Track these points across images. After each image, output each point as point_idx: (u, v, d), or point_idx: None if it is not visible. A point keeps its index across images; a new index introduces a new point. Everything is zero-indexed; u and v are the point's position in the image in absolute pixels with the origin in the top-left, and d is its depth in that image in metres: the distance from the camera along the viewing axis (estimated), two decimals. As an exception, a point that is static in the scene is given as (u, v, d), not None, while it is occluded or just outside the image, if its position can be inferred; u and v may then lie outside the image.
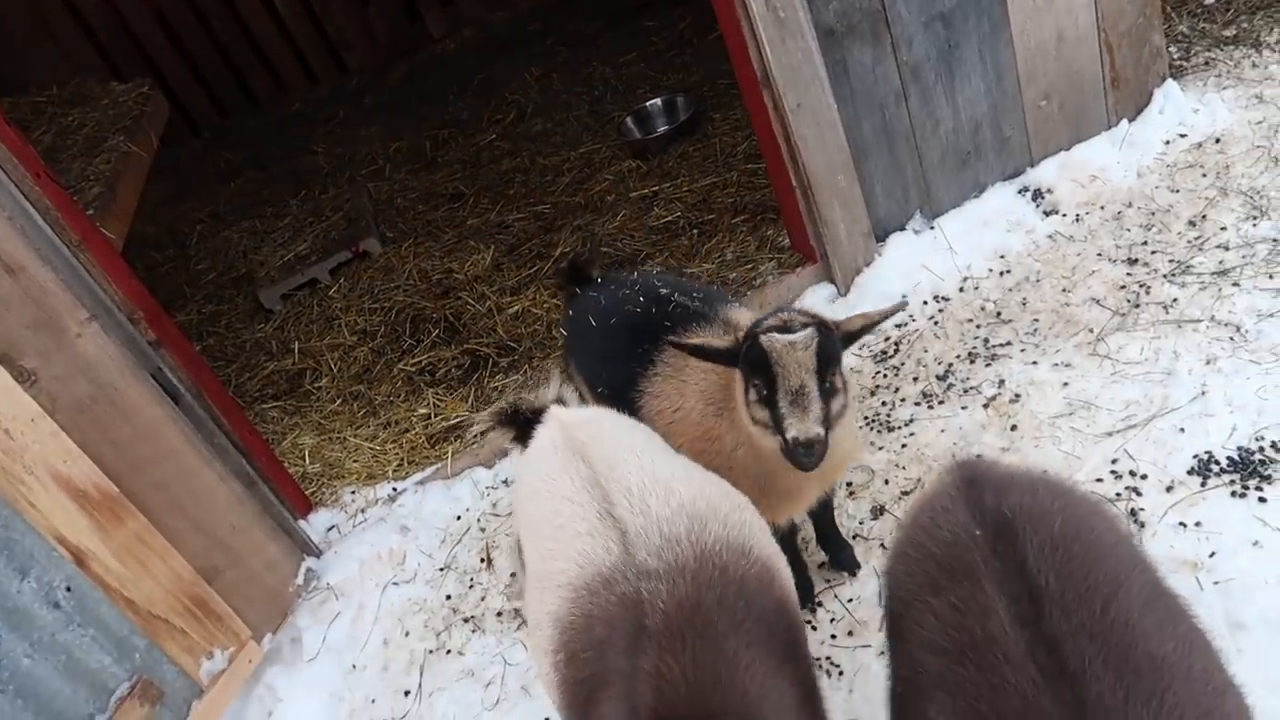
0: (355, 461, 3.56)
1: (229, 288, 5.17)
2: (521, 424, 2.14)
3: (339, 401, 3.99)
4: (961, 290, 3.16)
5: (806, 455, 1.88)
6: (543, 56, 6.58)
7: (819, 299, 3.35)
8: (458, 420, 3.62)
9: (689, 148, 4.83)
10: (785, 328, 1.94)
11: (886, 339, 3.11)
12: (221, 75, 7.08)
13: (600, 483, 1.70)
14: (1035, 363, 2.75)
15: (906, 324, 3.14)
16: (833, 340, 1.96)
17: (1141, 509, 2.23)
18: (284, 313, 4.70)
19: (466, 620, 2.75)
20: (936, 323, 3.09)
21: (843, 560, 2.38)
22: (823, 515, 2.34)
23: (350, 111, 6.84)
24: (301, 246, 5.02)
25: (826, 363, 1.92)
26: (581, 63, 6.26)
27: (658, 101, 5.17)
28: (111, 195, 3.43)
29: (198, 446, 2.70)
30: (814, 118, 3.02)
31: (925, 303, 3.17)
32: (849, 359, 3.10)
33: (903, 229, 3.35)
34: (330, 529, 3.21)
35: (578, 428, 1.86)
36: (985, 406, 2.67)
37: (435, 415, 3.69)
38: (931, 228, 3.36)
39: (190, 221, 6.01)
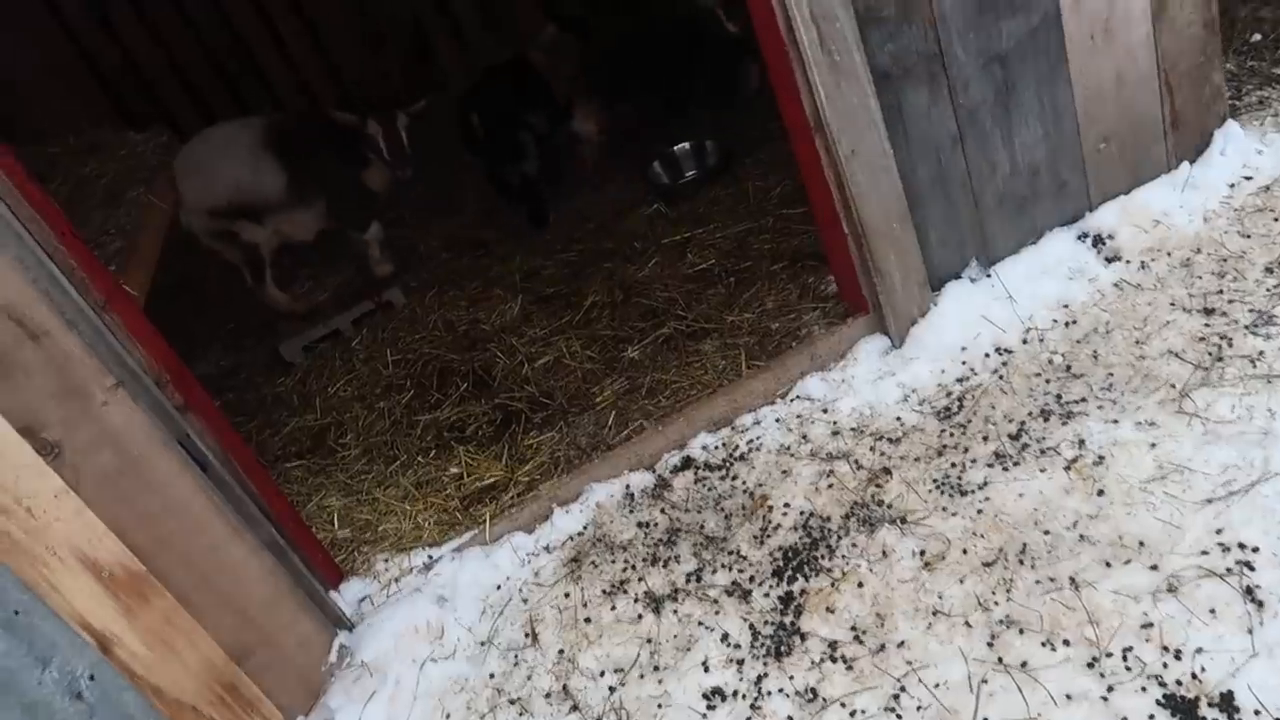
0: (386, 524, 3.40)
1: (247, 338, 5.03)
2: None
3: (365, 459, 3.83)
4: (1025, 342, 3.01)
5: None
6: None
7: (872, 351, 3.21)
8: (492, 480, 3.46)
9: (720, 192, 4.72)
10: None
11: (949, 395, 2.96)
12: (228, 114, 7.00)
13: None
14: (1116, 421, 2.59)
15: (969, 378, 2.99)
16: None
17: (1258, 586, 2.06)
18: (305, 365, 4.56)
19: (512, 702, 2.57)
20: (1001, 377, 2.94)
21: None
22: None
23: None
24: (323, 296, 4.89)
25: None
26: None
27: (685, 145, 5.06)
28: (134, 248, 3.31)
29: (228, 517, 2.54)
30: (869, 164, 2.89)
31: (987, 355, 3.03)
32: (910, 416, 2.95)
33: (958, 277, 3.22)
34: (363, 600, 3.03)
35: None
36: (1066, 469, 2.51)
37: (468, 475, 3.52)
38: (988, 275, 3.22)
39: (204, 270, 5.89)
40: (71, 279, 2.35)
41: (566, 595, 2.83)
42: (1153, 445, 2.47)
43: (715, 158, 4.93)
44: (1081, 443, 2.57)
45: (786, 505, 2.80)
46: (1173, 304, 2.90)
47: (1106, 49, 3.07)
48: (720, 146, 4.96)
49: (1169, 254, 3.10)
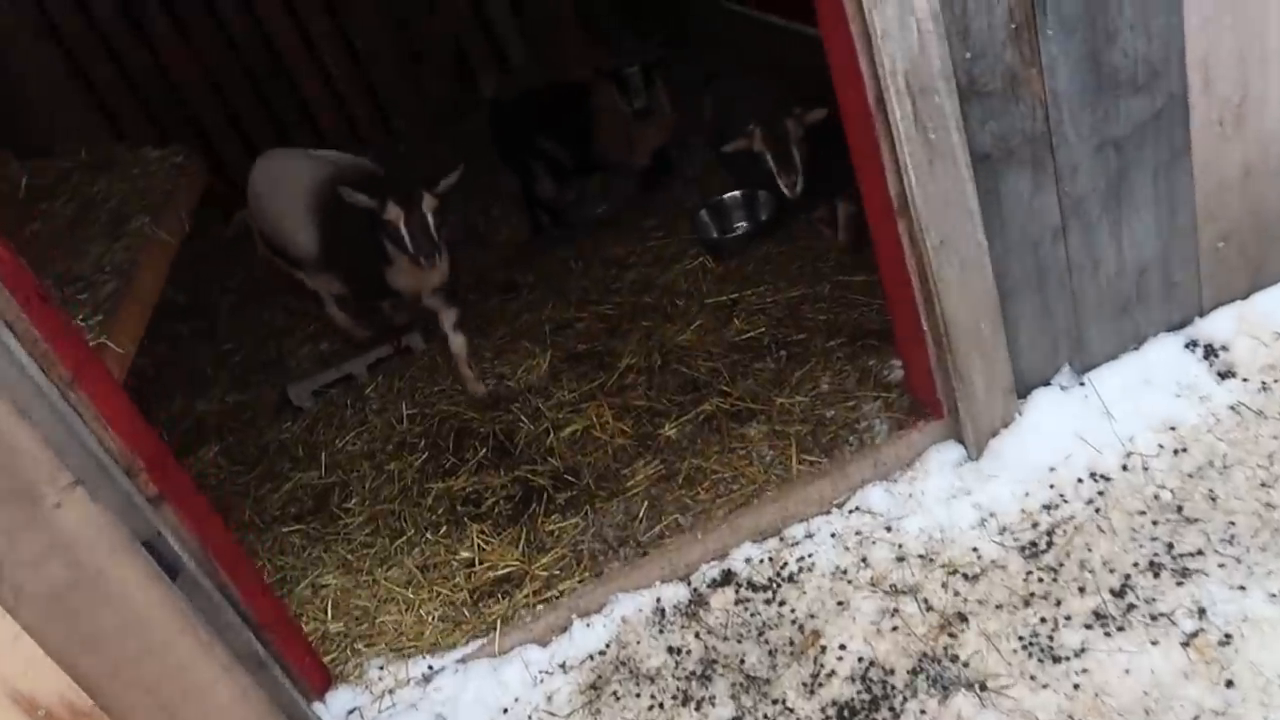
0: (385, 615, 3.05)
1: (256, 373, 4.71)
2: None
3: (369, 529, 3.49)
4: (1126, 469, 2.62)
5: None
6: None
7: (945, 462, 2.83)
8: (506, 571, 3.11)
9: (772, 249, 4.35)
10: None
11: (1035, 526, 2.57)
12: (264, 132, 6.73)
13: (313, 155, 4.36)
14: (1243, 588, 2.20)
15: (1058, 507, 2.60)
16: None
17: None
18: (314, 412, 4.23)
19: None
20: (1098, 510, 2.55)
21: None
22: None
23: (395, 175, 6.43)
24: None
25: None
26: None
27: (736, 195, 4.69)
28: (127, 289, 2.99)
29: (197, 631, 2.19)
30: (959, 256, 2.52)
31: (1080, 480, 2.64)
32: (989, 548, 2.57)
33: (1047, 384, 2.83)
34: (351, 712, 2.69)
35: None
36: (1185, 645, 2.12)
37: (480, 562, 3.17)
38: (1082, 384, 2.83)
39: (222, 291, 5.59)
40: (33, 352, 2.02)
41: (582, 731, 2.47)
42: (1294, 627, 2.08)
43: (768, 210, 4.56)
44: (1202, 612, 2.18)
45: (842, 647, 2.42)
46: (1304, 440, 2.51)
47: (1236, 137, 2.69)
48: (774, 197, 4.58)
49: (1295, 375, 2.70)
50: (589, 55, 7.15)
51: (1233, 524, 2.36)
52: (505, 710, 2.59)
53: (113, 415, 2.18)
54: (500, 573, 3.11)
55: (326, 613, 3.08)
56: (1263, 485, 2.43)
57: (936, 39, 2.26)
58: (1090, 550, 2.44)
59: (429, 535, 3.38)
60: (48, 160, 4.32)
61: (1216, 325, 2.86)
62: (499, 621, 2.84)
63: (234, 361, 4.86)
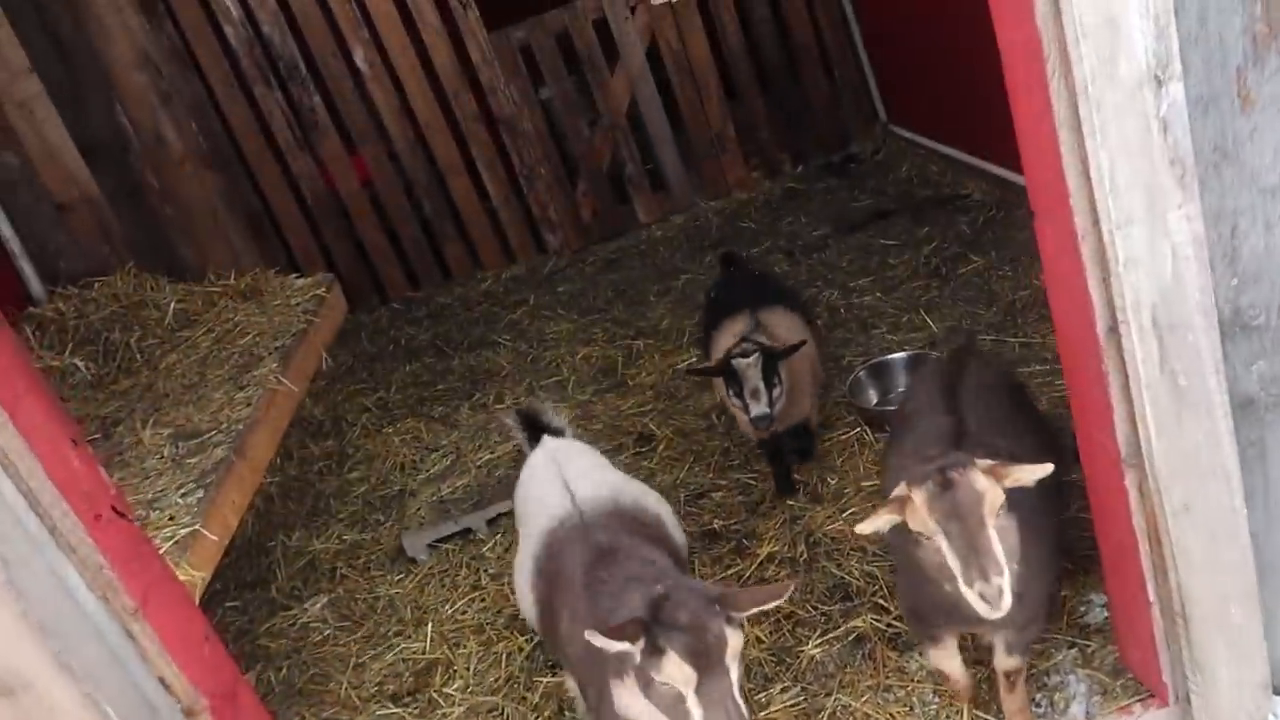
0: None
1: (378, 510, 4.50)
2: (531, 430, 3.16)
3: (469, 724, 3.14)
4: None
5: (761, 423, 3.39)
6: (758, 263, 5.84)
7: (1168, 762, 2.24)
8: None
9: (941, 426, 3.85)
10: (744, 353, 3.38)
11: None
12: (418, 243, 6.74)
13: (565, 474, 2.77)
14: None
15: None
16: (773, 357, 3.39)
17: None
18: (428, 566, 3.96)
19: None
20: None
21: (804, 453, 3.86)
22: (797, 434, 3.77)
23: (542, 297, 6.29)
24: (462, 480, 4.32)
25: (769, 371, 3.37)
26: (804, 278, 5.45)
27: (902, 357, 4.23)
28: (239, 458, 2.79)
29: None
30: (1207, 525, 2.00)
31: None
32: None
33: (1310, 677, 2.22)
34: None
35: (558, 449, 2.99)
36: None
37: (588, 788, 2.75)
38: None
39: (357, 408, 5.47)
40: (95, 582, 1.77)
41: None
42: None
43: (938, 376, 4.06)
44: None
45: None
46: None
47: None
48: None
49: None
50: (749, 180, 6.95)
51: None
52: None
53: (179, 645, 1.91)
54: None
55: (408, 841, 2.72)
56: None
57: (1196, 266, 1.80)
58: None
59: (534, 741, 3.00)
60: (200, 284, 4.31)
61: None
62: None
63: (356, 493, 4.67)
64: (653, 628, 1.96)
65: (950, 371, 2.68)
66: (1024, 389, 3.11)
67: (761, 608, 2.04)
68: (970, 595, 1.89)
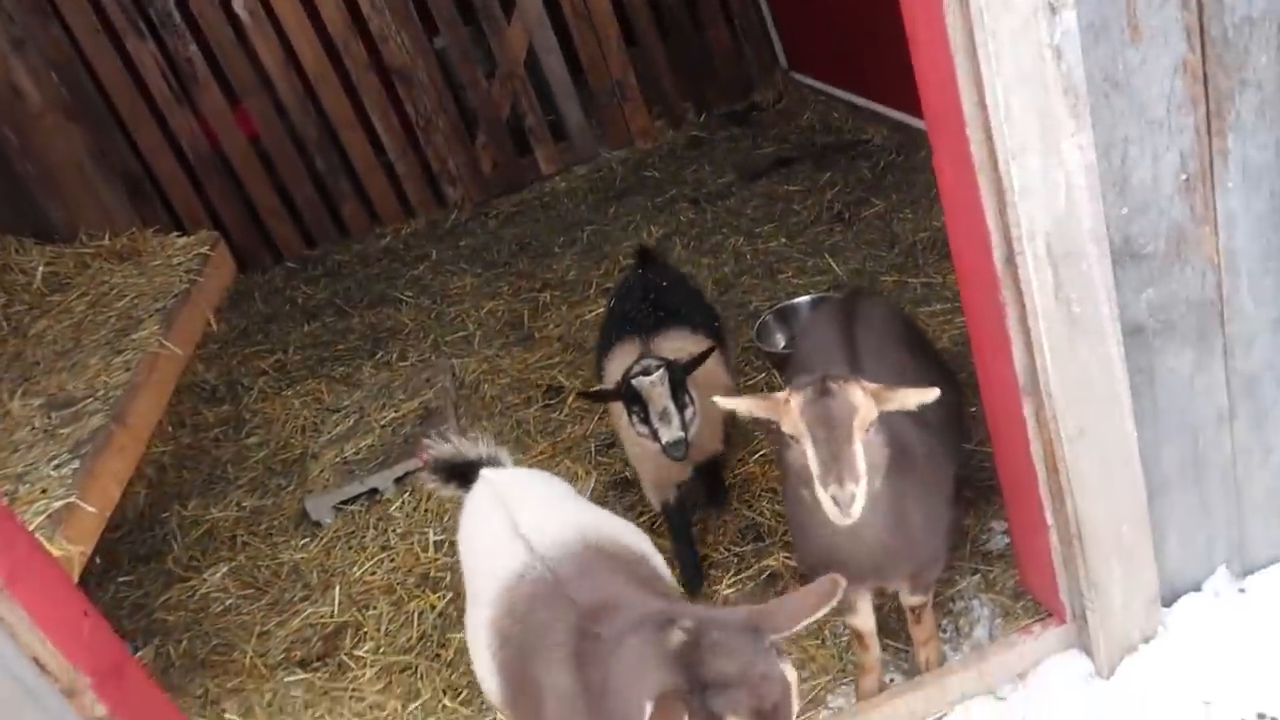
0: (389, 811, 2.62)
1: (279, 475, 4.33)
2: (459, 476, 2.55)
3: (382, 686, 3.08)
4: (1303, 714, 2.09)
5: (676, 451, 2.77)
6: (663, 211, 5.80)
7: (1067, 678, 2.33)
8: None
9: (847, 371, 3.89)
10: (645, 371, 2.81)
11: (1187, 784, 2.06)
12: (311, 200, 6.48)
13: (513, 519, 2.18)
14: None
15: (1214, 757, 2.08)
16: (679, 371, 2.81)
17: None
18: (334, 529, 3.84)
19: None
20: (1268, 770, 2.02)
21: (716, 499, 3.37)
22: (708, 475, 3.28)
23: (444, 252, 6.12)
24: (366, 440, 4.19)
25: (677, 388, 2.78)
26: (709, 227, 5.44)
27: (806, 300, 4.25)
28: (118, 426, 2.63)
29: None
30: (1101, 449, 2.05)
31: (1243, 722, 2.12)
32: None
33: (1198, 589, 2.34)
34: None
35: (502, 485, 2.36)
36: None
37: (501, 742, 2.73)
38: (1241, 590, 2.32)
39: (253, 371, 5.23)
40: (-43, 559, 1.64)
41: None
42: None
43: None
44: None
45: None
46: None
47: None
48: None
49: None
50: (652, 130, 6.86)
51: None
52: None
53: (54, 624, 1.79)
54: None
55: (321, 807, 2.65)
56: None
57: (1089, 194, 1.82)
58: (1267, 837, 1.92)
59: (446, 701, 2.96)
60: (70, 246, 4.04)
61: None
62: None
63: (256, 458, 4.49)
64: (697, 696, 1.54)
65: (844, 313, 2.70)
66: (918, 329, 3.14)
67: (809, 621, 1.67)
68: (824, 498, 1.92)
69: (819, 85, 6.51)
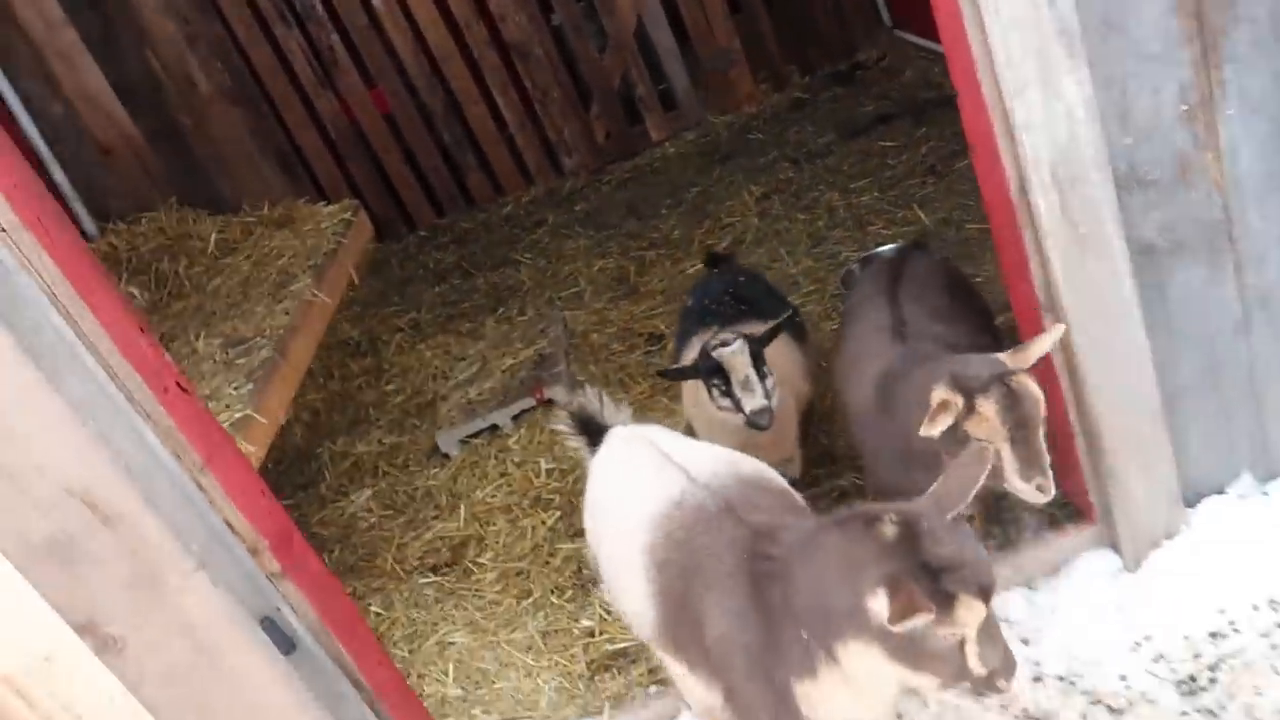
0: (504, 682, 3.08)
1: (413, 416, 4.90)
2: (591, 433, 2.63)
3: (499, 588, 3.54)
4: (1315, 601, 2.28)
5: (761, 419, 2.78)
6: (765, 171, 6.07)
7: (1096, 572, 2.56)
8: (624, 646, 3.07)
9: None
10: (723, 343, 2.85)
11: (1198, 657, 2.29)
12: (440, 172, 7.04)
13: (663, 451, 2.26)
14: None
15: (1228, 637, 2.30)
16: (758, 343, 2.85)
17: None
18: (460, 460, 4.35)
19: None
20: (1274, 646, 2.23)
21: None
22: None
23: (560, 217, 6.58)
24: (488, 383, 4.69)
25: (756, 359, 2.81)
26: (807, 184, 5.68)
27: (891, 249, 4.47)
28: (281, 358, 3.16)
29: (309, 708, 2.27)
30: (1113, 357, 2.28)
31: (1257, 609, 2.33)
32: (1140, 679, 2.30)
33: (1222, 492, 2.52)
34: (461, 783, 2.71)
35: (642, 431, 2.48)
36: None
37: (600, 633, 3.15)
38: (1265, 494, 2.50)
39: (391, 328, 5.85)
40: (167, 441, 2.15)
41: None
42: None
43: (925, 265, 4.31)
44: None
45: (964, 780, 2.23)
46: None
47: None
48: (930, 251, 4.33)
49: None
50: (757, 94, 7.11)
51: None
52: (608, 801, 2.54)
53: (241, 496, 2.29)
54: (618, 646, 3.08)
55: (448, 674, 3.14)
56: None
57: (1088, 125, 2.05)
58: (1260, 694, 2.14)
59: (554, 599, 3.40)
60: (237, 216, 4.67)
61: None
62: (606, 705, 2.80)
63: (394, 403, 5.07)
64: (925, 579, 1.59)
65: (893, 266, 2.94)
66: (964, 278, 3.32)
67: (976, 488, 1.74)
68: (1025, 488, 2.09)
69: (922, 42, 6.59)
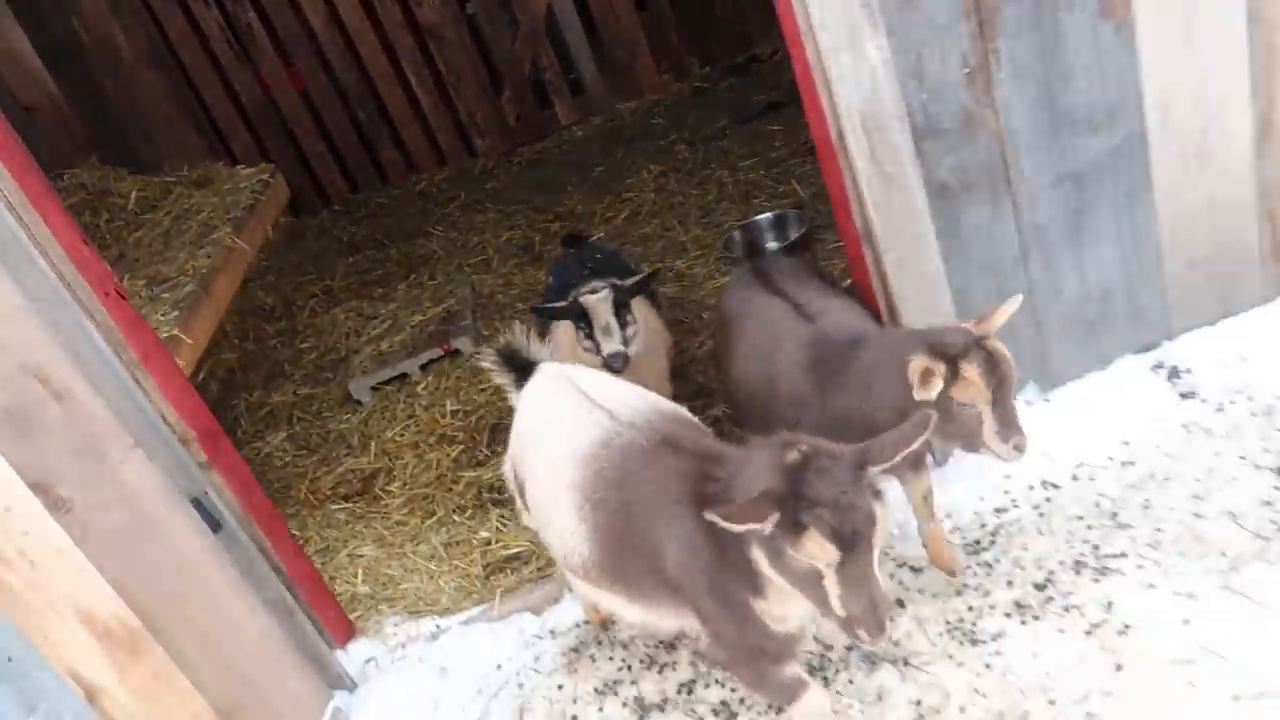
0: (408, 583, 3.43)
1: (326, 370, 5.20)
2: (519, 368, 2.75)
3: (406, 509, 3.89)
4: (1075, 479, 2.80)
5: (615, 363, 3.10)
6: (664, 152, 6.52)
7: (913, 467, 3.04)
8: (518, 550, 3.46)
9: (796, 269, 4.60)
10: (592, 290, 3.18)
11: (983, 526, 2.79)
12: (355, 149, 7.31)
13: (584, 390, 2.38)
14: (1153, 586, 2.38)
15: (1008, 510, 2.80)
16: (623, 292, 3.17)
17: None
18: (371, 406, 4.68)
19: (488, 795, 2.54)
20: (1042, 514, 2.74)
21: None
22: None
23: (471, 195, 6.92)
24: (399, 336, 5.02)
25: (620, 308, 3.15)
26: (700, 163, 6.15)
27: (769, 216, 4.96)
28: (204, 293, 3.46)
29: (232, 579, 2.61)
30: (917, 278, 2.76)
31: (1032, 488, 2.84)
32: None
33: (1014, 399, 3.02)
34: (369, 661, 3.06)
35: (565, 371, 2.56)
36: (1087, 634, 2.31)
37: (496, 541, 3.53)
38: (1047, 400, 3.02)
39: (305, 295, 6.11)
40: (109, 338, 2.46)
41: (560, 687, 2.78)
42: (1186, 622, 2.25)
43: (797, 230, 4.81)
44: (1110, 605, 2.37)
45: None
46: (1243, 457, 2.65)
47: (1199, 171, 2.85)
48: (801, 219, 4.84)
49: (1250, 398, 2.83)
50: (660, 83, 7.56)
51: (1160, 531, 2.53)
52: (499, 666, 2.93)
53: (173, 394, 2.62)
54: (512, 551, 3.46)
55: (357, 577, 3.48)
56: (1195, 497, 2.59)
57: (888, 82, 2.52)
58: (1026, 549, 2.64)
59: (456, 517, 3.76)
60: (156, 176, 4.91)
61: (1183, 348, 3.01)
62: (499, 593, 3.19)
63: (308, 359, 5.36)
64: (790, 501, 1.75)
65: (754, 270, 2.99)
66: (810, 260, 3.70)
67: (908, 450, 1.83)
68: (1002, 449, 2.20)
69: (809, 38, 7.11)
